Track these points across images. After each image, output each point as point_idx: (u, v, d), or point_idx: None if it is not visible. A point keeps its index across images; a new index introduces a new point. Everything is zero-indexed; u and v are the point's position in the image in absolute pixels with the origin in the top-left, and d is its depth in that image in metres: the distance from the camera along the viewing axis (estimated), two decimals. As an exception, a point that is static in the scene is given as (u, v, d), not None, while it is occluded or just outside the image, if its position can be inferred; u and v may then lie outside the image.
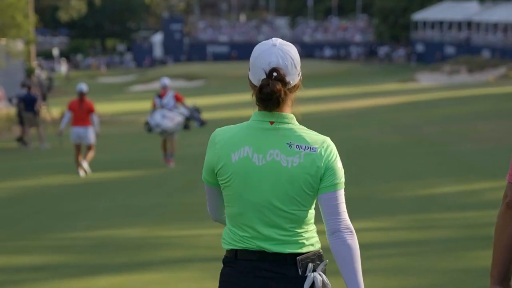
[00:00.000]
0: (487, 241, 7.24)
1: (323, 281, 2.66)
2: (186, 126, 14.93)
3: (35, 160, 17.54)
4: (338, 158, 2.71)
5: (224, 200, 2.75)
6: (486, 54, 55.12)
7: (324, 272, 2.69)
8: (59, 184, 12.85)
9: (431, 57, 62.85)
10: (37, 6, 76.49)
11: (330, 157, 2.67)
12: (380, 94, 36.86)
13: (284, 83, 2.64)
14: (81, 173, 13.31)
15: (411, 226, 8.16)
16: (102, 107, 29.20)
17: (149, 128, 14.52)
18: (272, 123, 2.68)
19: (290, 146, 2.65)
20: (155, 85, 42.41)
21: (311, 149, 2.65)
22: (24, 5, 34.46)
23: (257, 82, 2.67)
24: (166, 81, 14.75)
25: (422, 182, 11.48)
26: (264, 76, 2.64)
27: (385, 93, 37.40)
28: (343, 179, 2.69)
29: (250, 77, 2.72)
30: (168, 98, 14.51)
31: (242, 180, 2.66)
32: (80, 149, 13.41)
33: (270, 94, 2.62)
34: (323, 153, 2.66)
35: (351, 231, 2.64)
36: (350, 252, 2.62)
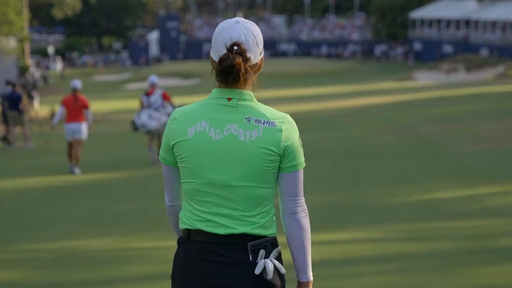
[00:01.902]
0: (492, 254, 6.55)
1: (275, 267, 2.61)
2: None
3: (18, 160, 16.93)
4: (299, 135, 2.66)
5: (181, 176, 2.68)
6: (484, 52, 54.63)
7: (278, 259, 2.65)
8: (37, 187, 12.19)
9: (429, 55, 62.35)
10: (33, 3, 75.92)
11: (291, 135, 2.62)
12: (377, 92, 36.32)
13: (245, 58, 2.59)
14: (76, 170, 13.31)
15: (405, 237, 7.44)
16: (96, 105, 28.66)
17: (135, 127, 14.32)
18: (229, 99, 2.63)
19: (248, 120, 2.60)
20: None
21: (270, 124, 2.60)
22: (16, 2, 33.85)
23: (217, 58, 2.62)
24: (154, 79, 14.67)
25: (418, 186, 10.77)
26: (225, 51, 2.60)
27: (382, 91, 36.85)
28: (303, 158, 2.66)
29: (211, 54, 2.68)
30: (156, 97, 14.30)
31: (198, 155, 2.61)
32: (72, 146, 13.27)
33: (230, 67, 2.56)
34: (283, 128, 2.61)
35: (306, 212, 2.67)
36: (304, 235, 2.65)
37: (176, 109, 2.72)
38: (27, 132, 19.54)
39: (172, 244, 7.12)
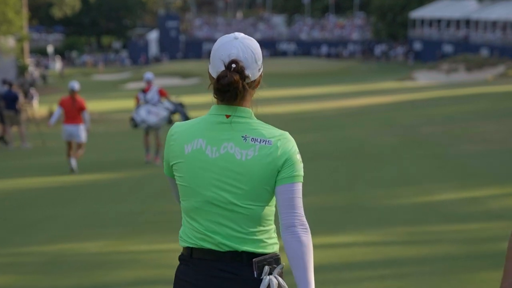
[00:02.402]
0: (494, 259, 6.39)
1: (279, 284, 2.59)
2: (170, 121, 14.47)
3: (15, 160, 16.79)
4: (297, 151, 2.62)
5: (179, 194, 2.68)
6: (484, 52, 54.49)
7: (281, 276, 2.62)
8: (33, 188, 12.05)
9: (429, 55, 62.21)
10: (32, 3, 75.70)
11: (287, 150, 2.58)
12: (377, 92, 36.18)
13: (243, 76, 2.56)
14: (73, 162, 13.22)
15: (406, 240, 7.29)
16: (94, 105, 28.53)
17: (134, 124, 14.43)
18: (228, 116, 2.60)
19: (245, 139, 2.58)
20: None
21: (267, 142, 2.57)
22: (16, 1, 33.70)
23: (215, 74, 2.60)
24: (150, 75, 14.79)
25: (419, 188, 10.62)
26: (223, 68, 2.57)
27: (382, 91, 36.71)
28: (301, 173, 2.60)
29: (209, 70, 2.65)
30: (152, 93, 14.35)
31: (195, 172, 2.59)
32: (71, 145, 13.29)
33: (228, 85, 2.54)
34: (279, 145, 2.58)
35: (305, 228, 2.57)
36: (303, 250, 2.54)
37: (175, 123, 2.71)
38: (24, 132, 19.40)
39: (168, 247, 7.01)
